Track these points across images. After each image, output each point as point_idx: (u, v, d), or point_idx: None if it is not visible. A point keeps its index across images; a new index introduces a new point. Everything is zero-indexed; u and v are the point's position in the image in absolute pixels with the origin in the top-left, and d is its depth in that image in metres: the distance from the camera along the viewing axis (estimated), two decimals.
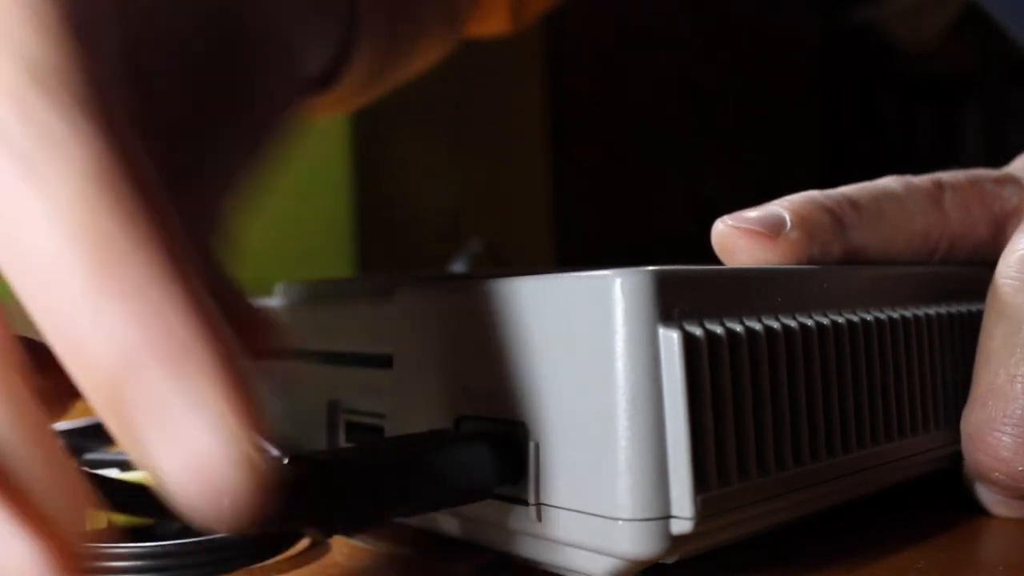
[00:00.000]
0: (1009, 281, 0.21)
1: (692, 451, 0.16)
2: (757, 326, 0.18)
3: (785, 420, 0.18)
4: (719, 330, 0.17)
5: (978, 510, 0.23)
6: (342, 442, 0.24)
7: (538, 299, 0.18)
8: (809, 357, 0.19)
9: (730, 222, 0.21)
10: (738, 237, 0.21)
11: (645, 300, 0.16)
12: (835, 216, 0.22)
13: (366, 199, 1.18)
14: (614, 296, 0.16)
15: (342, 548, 0.23)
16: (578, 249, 0.93)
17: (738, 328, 0.18)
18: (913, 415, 0.22)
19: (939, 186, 0.24)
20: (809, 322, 0.19)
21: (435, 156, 1.06)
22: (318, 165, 1.16)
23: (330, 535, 0.16)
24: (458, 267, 0.71)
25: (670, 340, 0.16)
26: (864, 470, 0.20)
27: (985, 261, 0.25)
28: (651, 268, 0.17)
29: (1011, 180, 0.25)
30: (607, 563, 0.17)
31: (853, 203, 0.23)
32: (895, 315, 0.22)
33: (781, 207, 0.22)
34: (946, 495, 0.24)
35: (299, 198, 1.13)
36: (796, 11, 1.19)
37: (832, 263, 0.22)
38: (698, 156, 1.05)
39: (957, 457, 0.23)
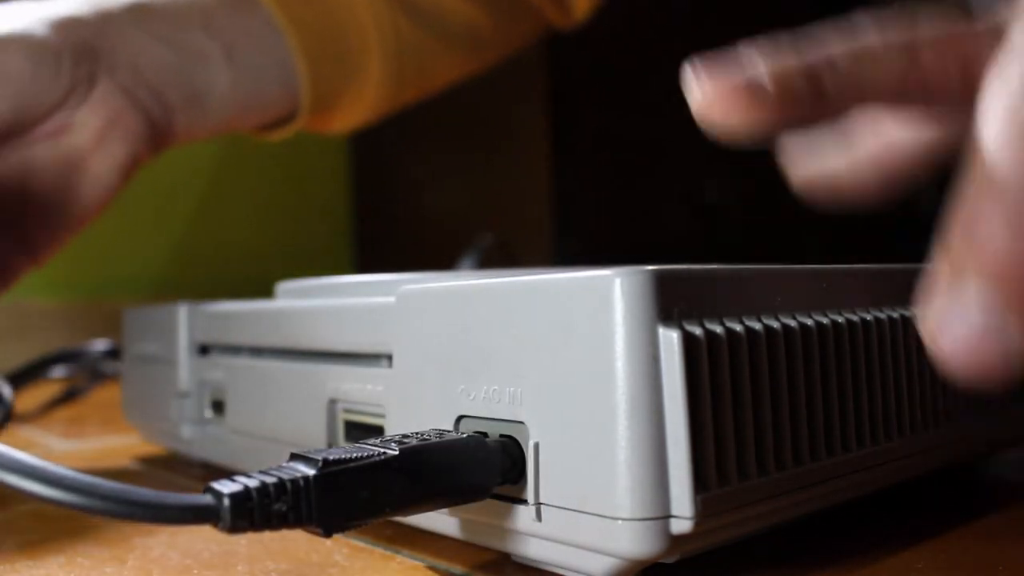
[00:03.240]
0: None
1: (692, 451, 0.16)
2: (757, 326, 0.18)
3: (785, 420, 0.18)
4: (719, 330, 0.17)
5: (978, 510, 0.23)
6: (342, 441, 0.24)
7: (538, 299, 0.18)
8: (809, 357, 0.19)
9: (708, 86, 0.21)
10: (715, 101, 0.21)
11: (645, 300, 0.16)
12: (813, 80, 0.22)
13: (366, 199, 1.17)
14: (614, 296, 0.16)
15: (342, 548, 0.23)
16: (578, 249, 0.93)
17: (738, 328, 0.18)
18: (913, 415, 0.22)
19: (916, 42, 0.23)
20: (809, 322, 0.19)
21: (435, 156, 1.06)
22: (318, 165, 1.16)
23: (330, 534, 0.16)
24: (467, 264, 0.71)
25: (670, 340, 0.16)
26: (864, 470, 0.20)
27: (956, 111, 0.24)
28: (651, 267, 0.17)
29: (993, 33, 0.23)
30: (607, 563, 0.17)
31: (831, 64, 0.22)
32: (895, 315, 0.22)
33: (760, 70, 0.22)
34: (946, 495, 0.24)
35: (299, 198, 1.13)
36: (796, 11, 1.18)
37: (806, 125, 0.22)
38: (698, 156, 1.05)
39: (956, 457, 0.23)
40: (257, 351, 0.28)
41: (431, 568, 0.21)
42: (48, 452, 0.40)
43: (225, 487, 0.15)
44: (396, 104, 0.49)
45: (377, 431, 0.23)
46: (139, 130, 0.36)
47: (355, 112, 0.47)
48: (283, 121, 0.44)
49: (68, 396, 0.56)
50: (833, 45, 0.23)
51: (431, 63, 0.49)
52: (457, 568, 0.21)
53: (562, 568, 0.19)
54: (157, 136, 0.38)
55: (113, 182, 0.36)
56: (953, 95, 0.23)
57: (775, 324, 0.18)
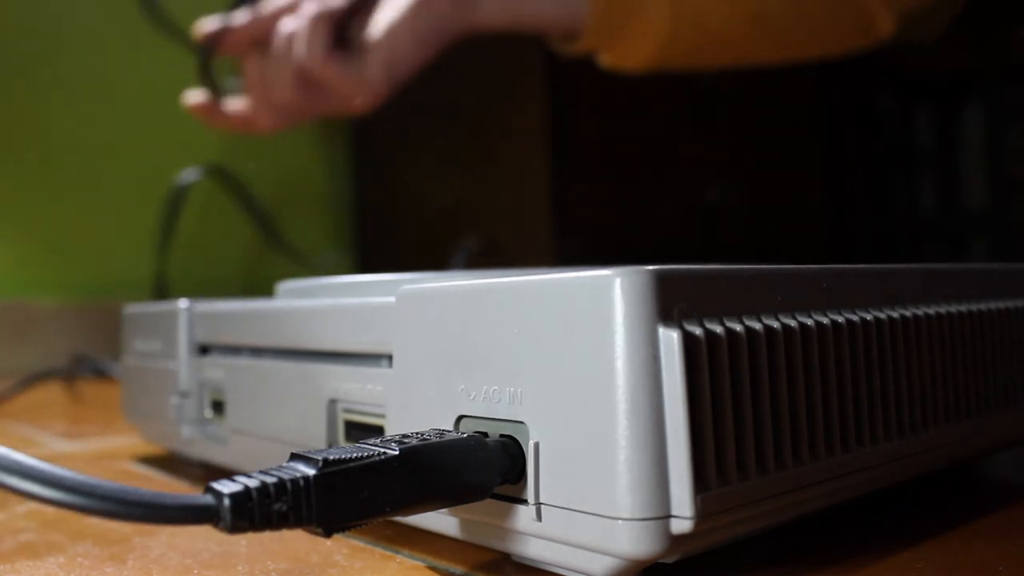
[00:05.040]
0: None
1: (692, 450, 0.16)
2: (757, 326, 0.18)
3: (785, 419, 0.18)
4: (719, 330, 0.17)
5: (978, 510, 0.23)
6: (342, 441, 0.24)
7: (538, 299, 0.18)
8: (809, 357, 0.19)
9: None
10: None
11: (645, 299, 0.16)
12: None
13: (366, 199, 1.17)
14: (614, 295, 0.16)
15: (342, 548, 0.23)
16: (578, 249, 0.93)
17: (738, 328, 0.18)
18: (913, 415, 0.22)
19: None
20: (809, 322, 0.19)
21: (435, 156, 1.06)
22: (318, 165, 1.16)
23: (330, 534, 0.16)
24: (456, 265, 0.71)
25: (670, 340, 0.16)
26: (864, 470, 0.20)
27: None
28: (651, 267, 0.17)
29: None
30: (607, 563, 0.17)
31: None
32: (895, 315, 0.22)
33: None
34: (946, 495, 0.24)
35: (299, 198, 1.13)
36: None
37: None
38: (697, 156, 1.05)
39: (956, 457, 0.23)
40: (257, 351, 0.28)
41: (431, 568, 0.21)
42: (48, 452, 0.40)
43: (225, 487, 0.15)
44: (673, 55, 0.56)
45: (377, 431, 0.23)
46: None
47: (636, 48, 0.55)
48: (570, 38, 0.54)
49: None
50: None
51: (710, 18, 0.55)
52: (457, 568, 0.21)
53: (562, 568, 0.19)
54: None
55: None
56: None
57: (775, 324, 0.18)
